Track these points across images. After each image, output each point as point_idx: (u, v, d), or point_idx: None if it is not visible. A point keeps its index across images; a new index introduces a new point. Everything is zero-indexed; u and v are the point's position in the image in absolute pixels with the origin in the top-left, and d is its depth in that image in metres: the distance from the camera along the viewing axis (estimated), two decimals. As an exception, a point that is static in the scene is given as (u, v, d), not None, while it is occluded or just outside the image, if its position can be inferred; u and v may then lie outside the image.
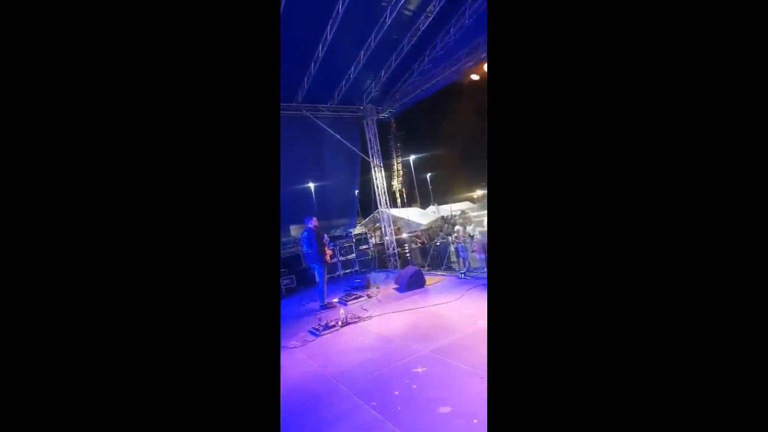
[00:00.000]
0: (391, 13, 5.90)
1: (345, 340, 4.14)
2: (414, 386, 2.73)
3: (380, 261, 9.32)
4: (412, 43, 6.90)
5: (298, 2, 5.26)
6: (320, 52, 6.57)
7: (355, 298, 5.87)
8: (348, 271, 8.85)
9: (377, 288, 6.52)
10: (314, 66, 6.97)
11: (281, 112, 7.41)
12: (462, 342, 3.44)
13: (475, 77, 6.86)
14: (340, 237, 9.21)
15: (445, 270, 7.35)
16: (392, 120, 10.70)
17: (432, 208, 18.02)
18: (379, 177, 9.26)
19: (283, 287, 7.47)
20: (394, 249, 9.19)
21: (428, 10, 6.16)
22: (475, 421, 2.14)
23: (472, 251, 6.85)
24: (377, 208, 9.70)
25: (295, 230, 9.49)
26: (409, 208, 18.29)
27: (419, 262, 8.53)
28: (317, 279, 5.80)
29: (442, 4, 5.94)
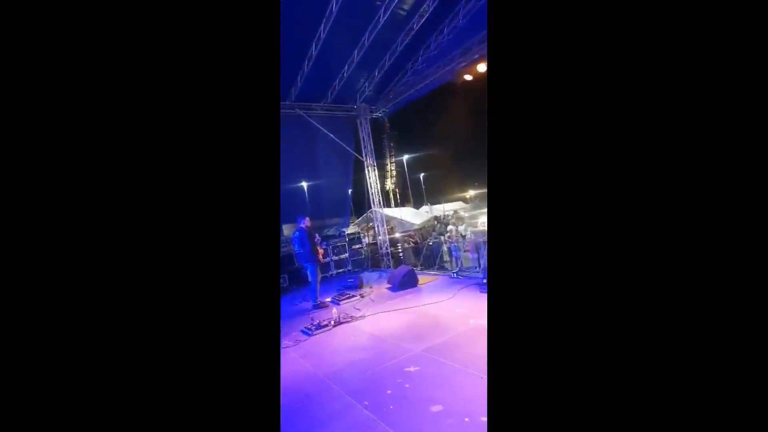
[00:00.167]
0: (385, 13, 5.89)
1: (337, 340, 4.14)
2: (406, 385, 2.74)
3: (373, 260, 9.32)
4: (405, 42, 6.90)
5: (291, 0, 5.24)
6: (314, 50, 6.54)
7: (348, 298, 5.87)
8: (341, 270, 8.84)
9: (370, 287, 6.52)
10: (308, 64, 6.94)
11: (274, 110, 7.35)
12: (454, 341, 3.46)
13: (468, 77, 6.89)
14: (333, 236, 9.19)
15: (437, 269, 7.38)
16: (386, 119, 10.70)
17: (425, 207, 18.05)
18: (372, 176, 9.25)
19: (275, 287, 7.42)
20: (387, 248, 9.20)
21: (422, 9, 6.17)
22: (466, 419, 2.16)
23: (465, 251, 6.88)
24: (370, 207, 9.69)
25: (287, 229, 9.46)
26: (402, 208, 18.32)
27: (412, 262, 8.55)
28: (310, 278, 5.78)
29: (435, 4, 5.95)
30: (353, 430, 2.31)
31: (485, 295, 4.79)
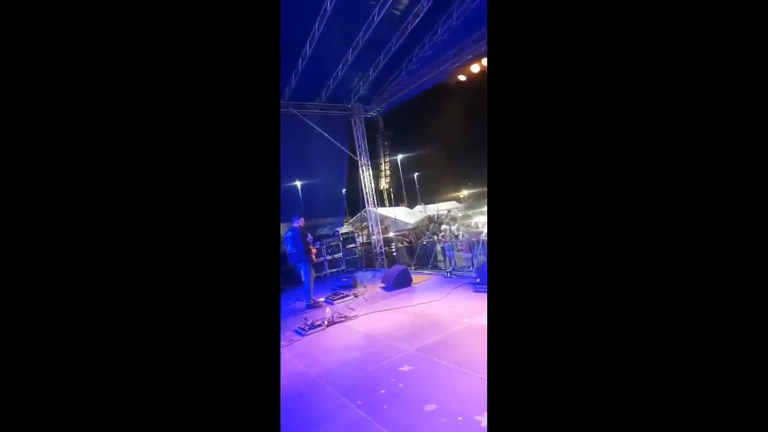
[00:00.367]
0: (379, 12, 5.89)
1: (331, 340, 4.13)
2: (400, 385, 2.74)
3: (367, 260, 9.31)
4: (400, 42, 6.90)
5: (285, -2, 5.21)
6: (308, 49, 6.52)
7: (342, 297, 5.85)
8: (335, 270, 8.81)
9: (364, 287, 6.52)
10: (302, 63, 6.91)
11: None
12: (448, 340, 3.47)
13: (462, 78, 6.92)
14: (327, 236, 9.15)
15: (431, 269, 7.39)
16: (380, 119, 10.68)
17: (419, 207, 18.10)
18: (366, 176, 9.24)
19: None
20: (381, 248, 9.20)
21: (417, 9, 6.17)
22: (459, 418, 2.16)
23: (459, 250, 6.91)
24: (364, 207, 9.68)
25: (281, 229, 9.39)
26: (397, 208, 18.30)
27: (406, 261, 8.56)
28: (303, 278, 5.76)
29: (430, 4, 5.97)
30: (347, 429, 2.31)
31: (478, 295, 4.81)
